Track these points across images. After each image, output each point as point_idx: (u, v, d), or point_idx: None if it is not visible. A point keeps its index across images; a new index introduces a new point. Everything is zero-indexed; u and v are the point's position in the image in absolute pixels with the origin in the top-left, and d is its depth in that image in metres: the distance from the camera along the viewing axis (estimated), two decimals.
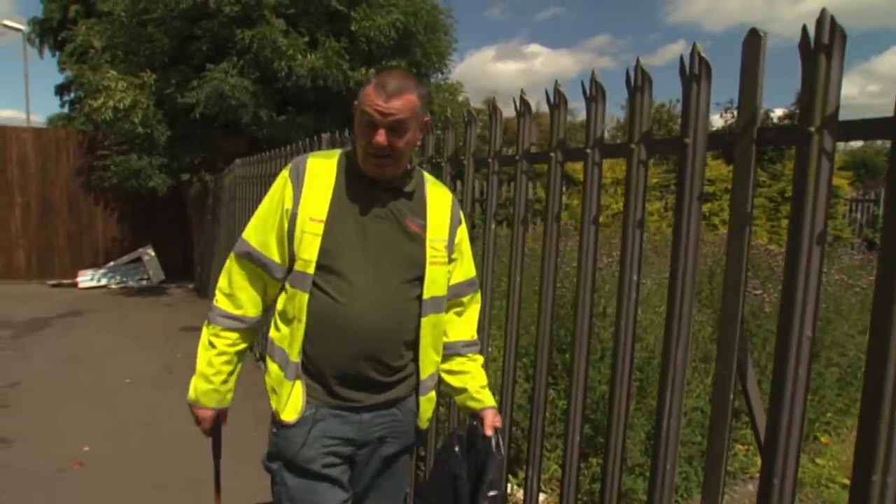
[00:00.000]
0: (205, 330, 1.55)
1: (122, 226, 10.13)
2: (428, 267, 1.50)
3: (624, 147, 1.65)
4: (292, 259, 1.46)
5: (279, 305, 1.50)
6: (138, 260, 9.88)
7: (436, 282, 1.52)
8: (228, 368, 1.55)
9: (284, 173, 1.50)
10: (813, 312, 1.24)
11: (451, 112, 8.65)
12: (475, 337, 1.71)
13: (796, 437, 1.27)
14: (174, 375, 5.00)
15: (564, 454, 1.87)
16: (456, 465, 1.54)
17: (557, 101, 1.87)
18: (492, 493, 1.46)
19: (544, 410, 2.02)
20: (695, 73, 1.45)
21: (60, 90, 12.67)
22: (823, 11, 1.19)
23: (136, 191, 8.29)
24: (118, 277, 9.66)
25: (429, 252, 1.50)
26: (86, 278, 9.51)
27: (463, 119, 2.29)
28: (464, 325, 1.68)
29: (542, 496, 2.46)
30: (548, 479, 2.81)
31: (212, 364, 1.53)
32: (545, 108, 1.98)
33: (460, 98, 9.53)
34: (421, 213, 1.52)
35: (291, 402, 1.47)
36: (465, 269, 1.66)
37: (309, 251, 1.42)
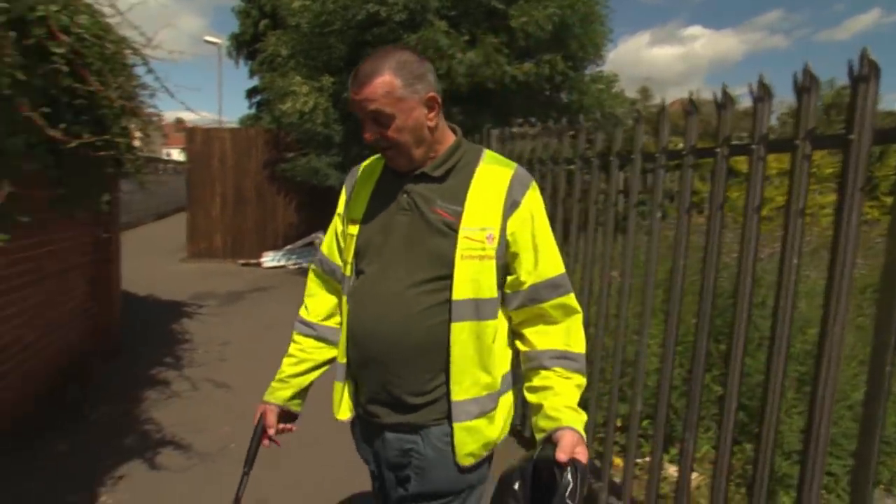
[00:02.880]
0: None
1: (299, 213, 11.38)
2: (458, 262, 1.24)
3: (789, 143, 1.78)
4: None
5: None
6: (311, 244, 11.08)
7: (473, 280, 1.25)
8: (292, 371, 1.49)
9: (345, 180, 1.50)
10: None
11: (609, 105, 8.63)
12: (570, 349, 1.31)
13: None
14: None
15: (719, 436, 2.01)
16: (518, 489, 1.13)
17: (724, 100, 2.02)
18: None
19: (700, 393, 2.15)
20: (863, 75, 1.56)
21: (250, 94, 14.47)
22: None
23: (313, 185, 9.31)
24: (294, 258, 10.90)
25: (460, 244, 1.24)
26: (268, 259, 10.85)
27: (619, 115, 2.48)
28: (556, 333, 1.32)
29: (693, 474, 2.60)
30: (700, 459, 2.93)
31: (282, 364, 1.52)
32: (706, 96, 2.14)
33: (615, 90, 9.46)
34: (459, 197, 1.28)
35: (344, 403, 1.42)
36: (540, 267, 1.30)
37: (348, 253, 1.39)
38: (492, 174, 1.30)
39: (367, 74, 1.20)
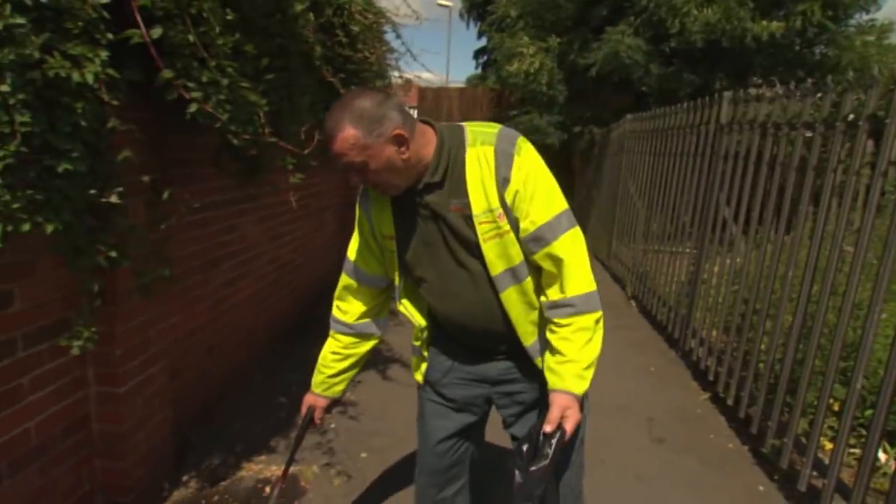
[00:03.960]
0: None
1: None
2: (483, 246, 1.39)
3: None
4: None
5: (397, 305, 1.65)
6: None
7: (500, 256, 1.41)
8: (341, 366, 1.71)
9: (357, 203, 1.60)
10: None
11: (877, 61, 7.43)
12: (561, 296, 1.40)
13: None
14: None
15: None
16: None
17: None
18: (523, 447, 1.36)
19: None
20: None
21: (478, 54, 15.08)
22: None
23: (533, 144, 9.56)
24: None
25: (479, 230, 1.38)
26: None
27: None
28: (554, 283, 1.42)
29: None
30: None
31: (326, 355, 1.72)
32: None
33: (891, 40, 8.05)
34: (462, 190, 1.39)
35: (422, 367, 1.70)
36: (526, 223, 1.39)
37: (393, 265, 1.55)
38: (479, 157, 1.38)
39: (330, 132, 1.29)
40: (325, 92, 3.18)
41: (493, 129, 1.43)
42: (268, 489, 2.50)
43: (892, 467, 2.42)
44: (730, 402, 3.29)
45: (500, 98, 11.17)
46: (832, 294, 2.56)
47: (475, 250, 1.41)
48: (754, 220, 3.31)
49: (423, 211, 1.43)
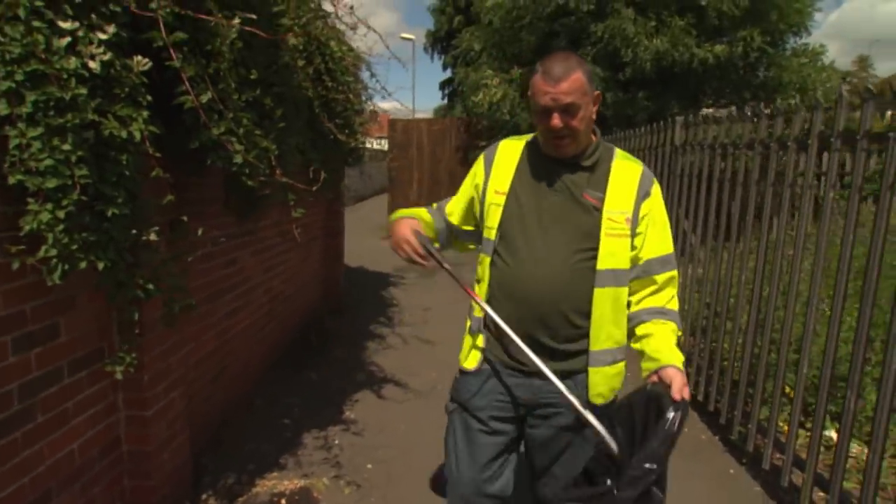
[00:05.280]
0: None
1: None
2: (603, 238, 1.50)
3: None
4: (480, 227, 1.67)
5: (477, 269, 1.68)
6: None
7: (614, 254, 1.50)
8: (427, 220, 1.74)
9: (481, 156, 1.70)
10: None
11: (813, 80, 8.03)
12: (667, 307, 1.58)
13: None
14: None
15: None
16: (635, 415, 1.43)
17: None
18: (649, 466, 1.29)
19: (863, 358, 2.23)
20: None
21: (443, 85, 15.61)
22: None
23: None
24: None
25: (605, 224, 1.50)
26: None
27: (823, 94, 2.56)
28: (657, 299, 1.58)
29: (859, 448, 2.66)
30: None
31: (419, 214, 1.75)
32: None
33: (823, 62, 8.72)
34: (601, 186, 1.53)
35: (472, 353, 1.67)
36: (657, 245, 1.56)
37: (492, 219, 1.58)
38: (626, 168, 1.56)
39: (564, 72, 1.41)
40: (313, 133, 3.45)
41: (638, 160, 1.64)
42: (283, 501, 2.69)
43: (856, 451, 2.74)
44: (700, 398, 3.59)
45: (468, 127, 11.58)
46: (781, 294, 2.89)
47: (591, 240, 1.50)
48: (710, 231, 3.66)
49: (558, 184, 1.54)
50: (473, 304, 1.64)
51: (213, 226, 2.98)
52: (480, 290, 1.63)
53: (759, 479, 2.89)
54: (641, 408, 1.41)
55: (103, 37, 1.67)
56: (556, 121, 1.43)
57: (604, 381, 1.58)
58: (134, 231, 1.89)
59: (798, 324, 2.90)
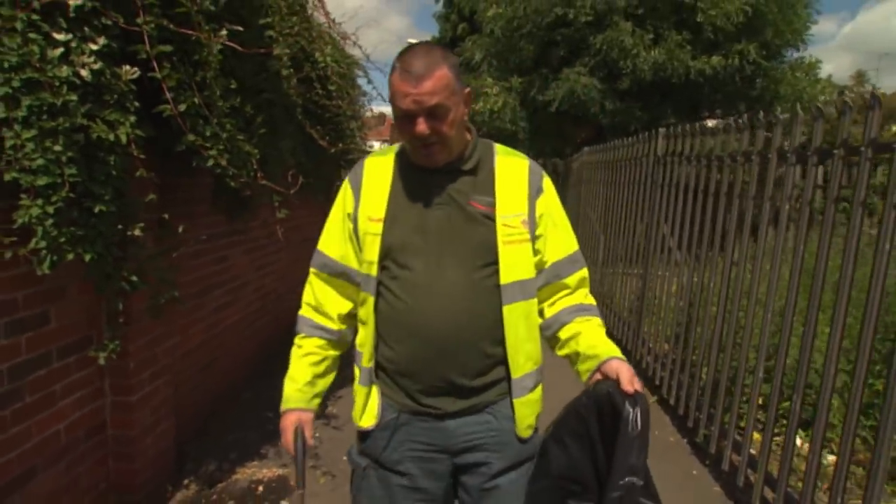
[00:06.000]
0: (295, 341, 1.49)
1: None
2: (501, 248, 1.29)
3: None
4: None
5: (357, 311, 1.41)
6: None
7: (517, 263, 1.31)
8: (314, 370, 1.45)
9: (345, 180, 1.42)
10: None
11: (809, 93, 8.17)
12: (584, 302, 1.42)
13: None
14: None
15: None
16: (587, 420, 1.23)
17: None
18: (629, 480, 1.12)
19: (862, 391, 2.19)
20: None
21: None
22: None
23: None
24: None
25: (500, 231, 1.30)
26: None
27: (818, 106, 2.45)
28: (571, 300, 1.42)
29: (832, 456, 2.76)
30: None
31: (298, 365, 1.46)
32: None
33: (819, 74, 8.84)
34: (488, 189, 1.32)
35: (368, 408, 1.38)
36: (561, 244, 1.40)
37: (370, 252, 1.32)
38: (511, 165, 1.36)
39: (425, 69, 1.18)
40: (303, 137, 3.60)
41: (521, 153, 1.45)
42: (261, 488, 2.82)
43: (801, 445, 2.85)
44: (672, 401, 3.70)
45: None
46: (742, 304, 3.01)
47: (489, 253, 1.30)
48: (689, 240, 3.78)
49: (440, 197, 1.31)
50: (361, 347, 1.39)
51: (202, 224, 3.12)
52: (366, 336, 1.36)
53: (720, 480, 3.00)
54: (593, 411, 1.22)
55: (94, 48, 1.82)
56: (422, 126, 1.21)
57: (531, 409, 1.38)
58: (120, 226, 2.03)
59: (756, 332, 3.01)
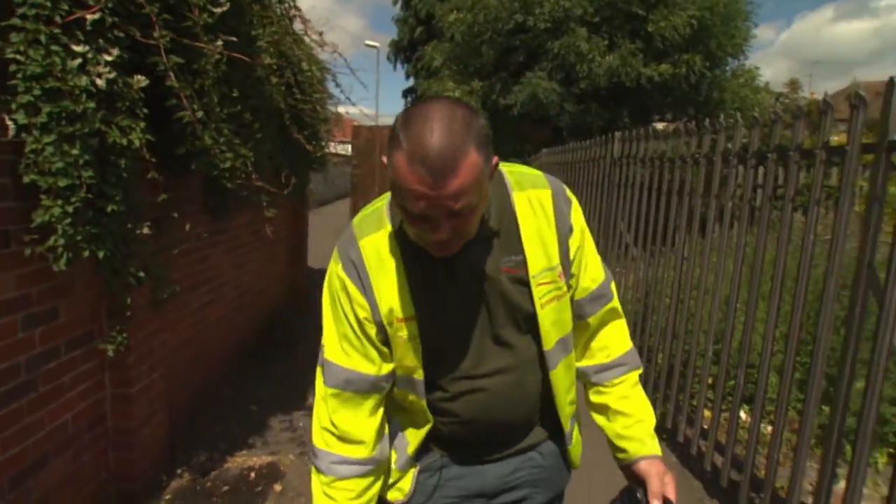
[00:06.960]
0: (315, 480, 1.18)
1: None
2: (539, 312, 1.12)
3: None
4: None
5: (403, 405, 1.22)
6: None
7: (556, 323, 1.14)
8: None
9: (339, 272, 1.12)
10: None
11: (749, 99, 8.72)
12: (613, 358, 1.24)
13: None
14: None
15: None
16: None
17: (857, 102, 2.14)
18: None
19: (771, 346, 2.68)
20: None
21: (406, 93, 15.96)
22: None
23: None
24: None
25: (536, 293, 1.11)
26: None
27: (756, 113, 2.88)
28: (597, 347, 1.26)
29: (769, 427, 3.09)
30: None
31: None
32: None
33: (758, 80, 9.42)
34: (515, 245, 1.11)
35: (399, 485, 1.23)
36: (586, 280, 1.20)
37: (409, 356, 1.12)
38: (532, 202, 1.13)
39: (450, 157, 0.87)
40: (283, 140, 3.75)
41: (534, 170, 1.20)
42: (253, 475, 2.97)
43: (745, 418, 3.18)
44: None
45: None
46: (692, 294, 3.32)
47: (527, 322, 1.13)
48: (644, 236, 4.09)
49: (468, 273, 1.09)
50: (407, 439, 1.22)
51: (192, 224, 3.24)
52: (417, 431, 1.20)
53: (675, 451, 3.30)
54: None
55: (109, 58, 1.96)
56: (443, 233, 0.95)
57: (579, 447, 1.32)
58: (129, 225, 2.17)
59: (705, 319, 3.33)
